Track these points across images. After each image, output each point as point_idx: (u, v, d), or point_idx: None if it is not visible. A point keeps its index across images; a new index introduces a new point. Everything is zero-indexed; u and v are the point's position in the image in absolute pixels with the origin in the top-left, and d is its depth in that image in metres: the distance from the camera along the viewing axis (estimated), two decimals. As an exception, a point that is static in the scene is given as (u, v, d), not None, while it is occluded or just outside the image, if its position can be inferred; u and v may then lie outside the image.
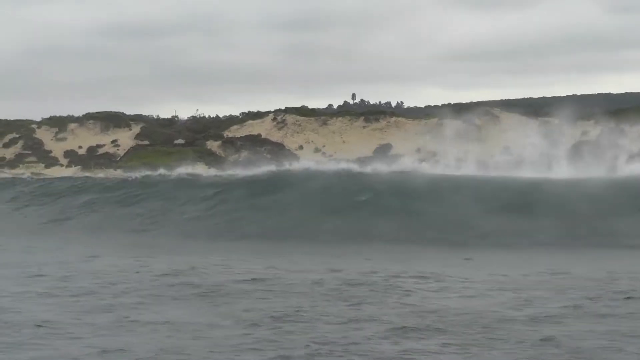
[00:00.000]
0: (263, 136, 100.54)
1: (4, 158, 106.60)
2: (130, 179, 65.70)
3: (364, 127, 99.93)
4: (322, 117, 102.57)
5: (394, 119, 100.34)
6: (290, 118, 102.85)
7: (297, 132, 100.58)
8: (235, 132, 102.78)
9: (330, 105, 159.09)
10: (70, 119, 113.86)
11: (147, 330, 16.20)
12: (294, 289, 21.45)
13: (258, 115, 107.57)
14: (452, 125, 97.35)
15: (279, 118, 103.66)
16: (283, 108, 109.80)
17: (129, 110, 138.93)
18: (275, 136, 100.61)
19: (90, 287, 21.73)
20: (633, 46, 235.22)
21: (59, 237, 41.47)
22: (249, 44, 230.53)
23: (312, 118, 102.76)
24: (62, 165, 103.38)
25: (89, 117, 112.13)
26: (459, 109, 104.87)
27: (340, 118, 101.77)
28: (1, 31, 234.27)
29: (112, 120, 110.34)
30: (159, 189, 55.43)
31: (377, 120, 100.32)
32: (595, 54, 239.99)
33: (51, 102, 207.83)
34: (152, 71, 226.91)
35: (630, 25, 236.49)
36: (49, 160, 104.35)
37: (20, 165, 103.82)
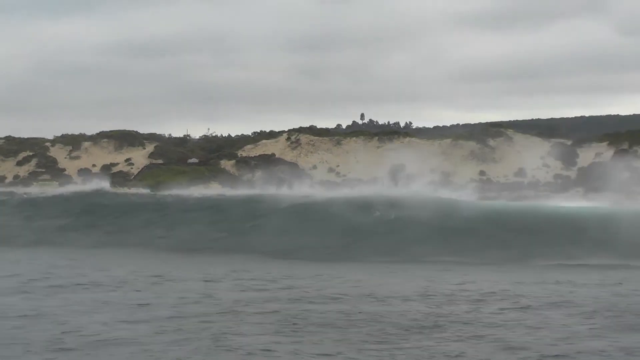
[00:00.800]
0: (277, 156, 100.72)
1: (17, 176, 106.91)
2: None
3: (377, 147, 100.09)
4: (336, 137, 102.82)
5: (407, 139, 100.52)
6: (304, 138, 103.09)
7: (311, 152, 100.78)
8: (249, 151, 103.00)
9: (339, 125, 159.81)
10: (84, 137, 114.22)
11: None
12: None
13: (272, 135, 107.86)
14: (466, 146, 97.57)
15: (292, 138, 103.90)
16: (296, 128, 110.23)
17: (140, 129, 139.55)
18: (289, 156, 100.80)
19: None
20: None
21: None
22: (260, 63, 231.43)
23: (326, 138, 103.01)
24: (76, 183, 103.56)
25: (103, 135, 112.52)
26: (471, 130, 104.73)
27: (354, 138, 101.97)
28: (12, 47, 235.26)
29: (126, 139, 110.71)
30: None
31: (390, 140, 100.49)
32: (606, 75, 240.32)
33: (62, 120, 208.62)
34: (162, 90, 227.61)
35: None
36: (63, 179, 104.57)
37: (35, 183, 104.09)
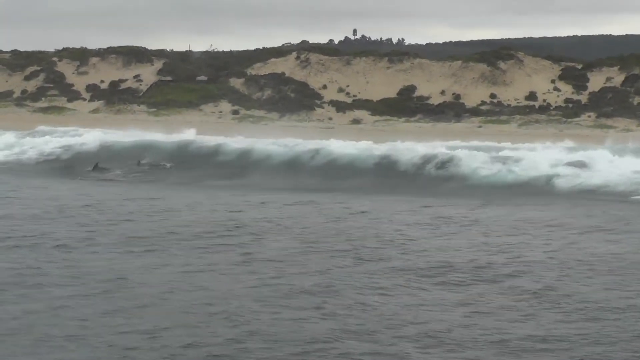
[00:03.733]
0: (287, 75, 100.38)
1: (25, 91, 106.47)
2: None
3: (387, 67, 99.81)
4: (346, 57, 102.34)
5: (417, 60, 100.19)
6: (313, 57, 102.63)
7: (321, 72, 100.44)
8: (258, 69, 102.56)
9: (331, 40, 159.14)
10: (92, 52, 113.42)
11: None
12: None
13: (280, 52, 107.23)
14: (476, 68, 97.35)
15: (302, 57, 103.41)
16: (305, 46, 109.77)
17: (139, 42, 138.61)
18: (299, 75, 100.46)
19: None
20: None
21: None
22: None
23: (336, 57, 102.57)
24: (84, 99, 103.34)
25: (111, 51, 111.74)
26: (480, 52, 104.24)
27: (364, 58, 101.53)
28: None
29: (134, 54, 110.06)
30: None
31: (401, 61, 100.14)
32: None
33: (62, 32, 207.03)
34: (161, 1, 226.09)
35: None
36: (71, 94, 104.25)
37: (43, 98, 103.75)
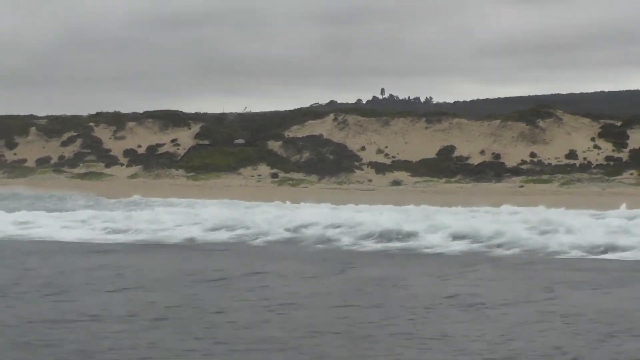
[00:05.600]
0: (325, 137, 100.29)
1: (63, 157, 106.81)
2: None
3: (426, 127, 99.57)
4: (384, 118, 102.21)
5: (456, 120, 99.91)
6: (351, 118, 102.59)
7: (359, 133, 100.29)
8: (296, 132, 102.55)
9: (359, 100, 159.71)
10: (128, 116, 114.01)
11: None
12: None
13: (317, 114, 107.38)
14: (515, 127, 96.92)
15: (339, 118, 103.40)
16: (342, 108, 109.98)
17: (172, 105, 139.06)
18: (337, 137, 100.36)
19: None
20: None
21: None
22: (283, 36, 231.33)
23: (374, 118, 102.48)
24: (122, 164, 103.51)
25: (148, 115, 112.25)
26: (519, 111, 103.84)
27: (402, 119, 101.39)
28: (40, 20, 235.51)
29: (171, 118, 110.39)
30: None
31: (439, 121, 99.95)
32: (632, 48, 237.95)
33: (92, 95, 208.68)
34: (190, 63, 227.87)
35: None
36: (109, 160, 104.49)
37: (80, 164, 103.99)
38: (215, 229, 37.92)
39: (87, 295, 20.92)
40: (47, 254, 29.88)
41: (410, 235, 34.55)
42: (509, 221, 39.00)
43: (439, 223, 36.69)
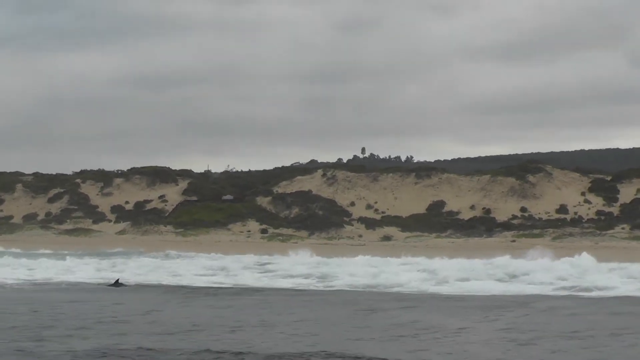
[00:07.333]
0: (314, 192, 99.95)
1: (50, 213, 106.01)
2: None
3: (415, 183, 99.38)
4: (373, 173, 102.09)
5: (445, 175, 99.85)
6: (340, 174, 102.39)
7: (348, 189, 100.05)
8: (285, 187, 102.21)
9: (340, 159, 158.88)
10: (116, 173, 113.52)
11: None
12: None
13: (306, 171, 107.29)
14: (505, 182, 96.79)
15: (328, 174, 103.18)
16: (330, 164, 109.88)
17: (149, 162, 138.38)
18: (326, 192, 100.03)
19: None
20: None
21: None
22: (266, 96, 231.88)
23: (363, 174, 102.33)
24: (110, 220, 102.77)
25: (135, 171, 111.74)
26: (508, 166, 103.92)
27: (391, 174, 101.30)
28: (23, 80, 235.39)
29: (158, 175, 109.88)
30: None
31: (428, 176, 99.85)
32: (614, 107, 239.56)
33: (76, 153, 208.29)
34: (174, 122, 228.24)
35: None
36: (97, 216, 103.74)
37: (68, 220, 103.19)
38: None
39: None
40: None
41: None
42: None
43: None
